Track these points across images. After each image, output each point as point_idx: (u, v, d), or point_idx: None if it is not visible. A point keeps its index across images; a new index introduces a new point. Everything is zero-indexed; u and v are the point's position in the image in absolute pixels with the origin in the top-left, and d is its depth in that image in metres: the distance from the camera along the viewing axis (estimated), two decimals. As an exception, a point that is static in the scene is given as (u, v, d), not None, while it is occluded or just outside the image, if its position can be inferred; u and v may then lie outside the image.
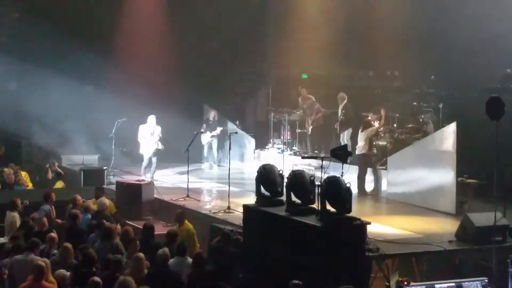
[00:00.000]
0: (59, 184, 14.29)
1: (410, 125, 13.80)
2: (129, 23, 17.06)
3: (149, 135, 14.21)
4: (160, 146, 14.23)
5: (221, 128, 16.07)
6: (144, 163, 14.38)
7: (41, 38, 16.28)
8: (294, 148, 16.10)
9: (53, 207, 11.18)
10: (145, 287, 6.98)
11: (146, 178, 13.79)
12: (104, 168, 14.71)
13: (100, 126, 16.17)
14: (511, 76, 13.40)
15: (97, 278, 7.23)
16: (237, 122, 17.05)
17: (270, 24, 18.32)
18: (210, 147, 16.26)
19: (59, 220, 11.06)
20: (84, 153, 16.43)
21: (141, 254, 8.13)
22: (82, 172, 14.51)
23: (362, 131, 13.11)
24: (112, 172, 14.88)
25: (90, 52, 16.16)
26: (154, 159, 14.37)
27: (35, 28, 16.38)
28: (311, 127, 15.43)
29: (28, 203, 11.41)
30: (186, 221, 10.38)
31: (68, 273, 7.86)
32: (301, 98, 16.15)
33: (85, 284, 7.22)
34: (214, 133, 16.02)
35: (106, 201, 11.29)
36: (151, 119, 14.30)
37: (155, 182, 13.38)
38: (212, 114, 16.25)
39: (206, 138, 16.08)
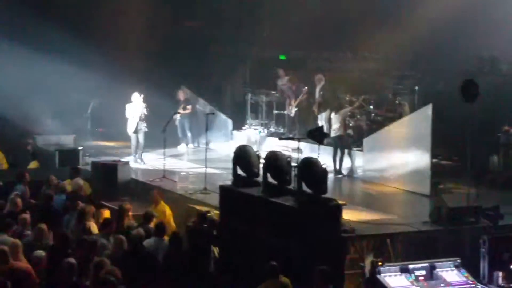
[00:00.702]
0: (34, 164, 14.12)
1: (386, 107, 13.87)
2: (106, 4, 16.80)
3: (134, 113, 13.98)
4: (142, 125, 13.91)
5: (189, 106, 15.72)
6: (132, 142, 14.16)
7: (17, 17, 15.95)
8: (270, 129, 16.04)
9: (27, 187, 11.06)
10: (114, 268, 6.85)
11: (137, 158, 13.77)
12: (80, 148, 14.56)
13: (76, 106, 15.94)
14: (486, 59, 13.54)
15: (72, 260, 7.16)
16: (214, 103, 16.85)
17: (247, 4, 18.19)
18: (183, 127, 16.09)
19: (33, 201, 10.94)
20: (60, 133, 16.22)
21: (122, 236, 8.08)
22: (57, 153, 14.34)
23: (336, 113, 13.13)
24: (88, 153, 14.71)
25: (67, 32, 15.88)
26: (139, 138, 14.05)
27: (11, 6, 16.03)
28: (295, 109, 15.32)
29: (1, 183, 11.26)
30: (162, 202, 10.36)
31: (45, 254, 7.80)
32: (280, 80, 16.06)
33: (60, 265, 7.16)
34: (180, 111, 15.41)
35: (80, 181, 11.20)
36: (133, 96, 14.07)
37: (131, 163, 13.26)
38: (181, 94, 15.86)
39: (176, 118, 15.83)
